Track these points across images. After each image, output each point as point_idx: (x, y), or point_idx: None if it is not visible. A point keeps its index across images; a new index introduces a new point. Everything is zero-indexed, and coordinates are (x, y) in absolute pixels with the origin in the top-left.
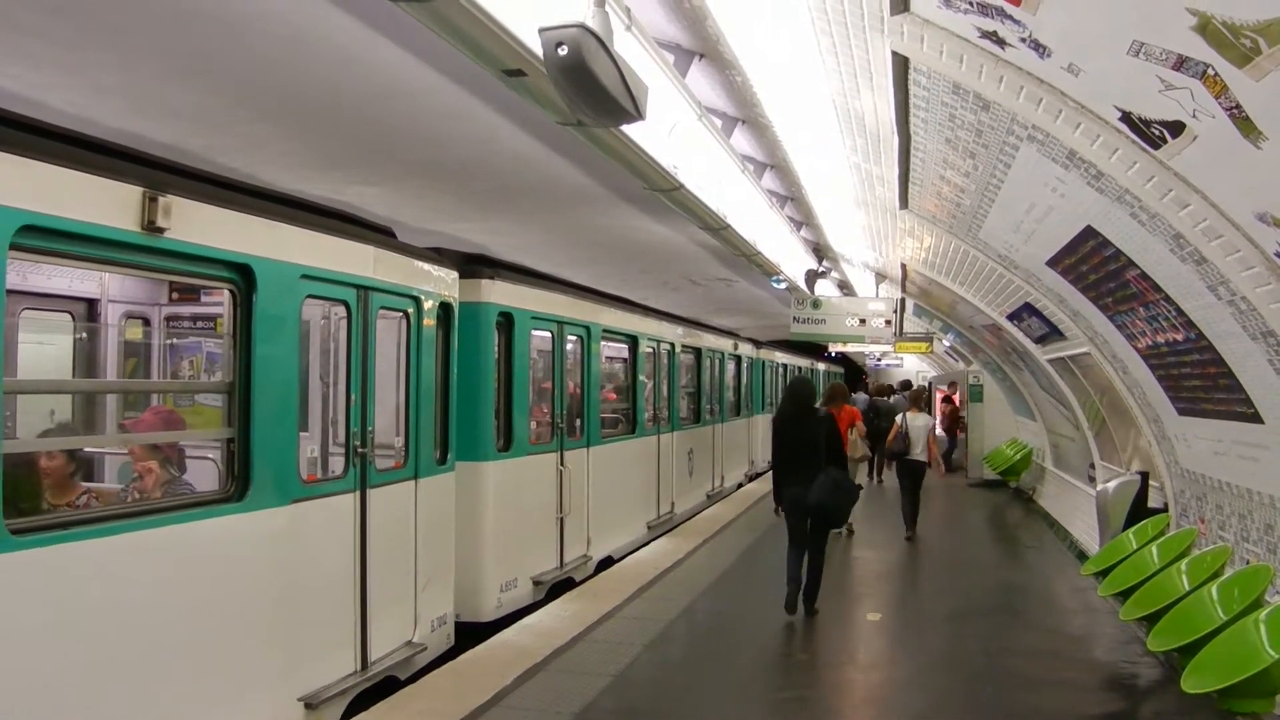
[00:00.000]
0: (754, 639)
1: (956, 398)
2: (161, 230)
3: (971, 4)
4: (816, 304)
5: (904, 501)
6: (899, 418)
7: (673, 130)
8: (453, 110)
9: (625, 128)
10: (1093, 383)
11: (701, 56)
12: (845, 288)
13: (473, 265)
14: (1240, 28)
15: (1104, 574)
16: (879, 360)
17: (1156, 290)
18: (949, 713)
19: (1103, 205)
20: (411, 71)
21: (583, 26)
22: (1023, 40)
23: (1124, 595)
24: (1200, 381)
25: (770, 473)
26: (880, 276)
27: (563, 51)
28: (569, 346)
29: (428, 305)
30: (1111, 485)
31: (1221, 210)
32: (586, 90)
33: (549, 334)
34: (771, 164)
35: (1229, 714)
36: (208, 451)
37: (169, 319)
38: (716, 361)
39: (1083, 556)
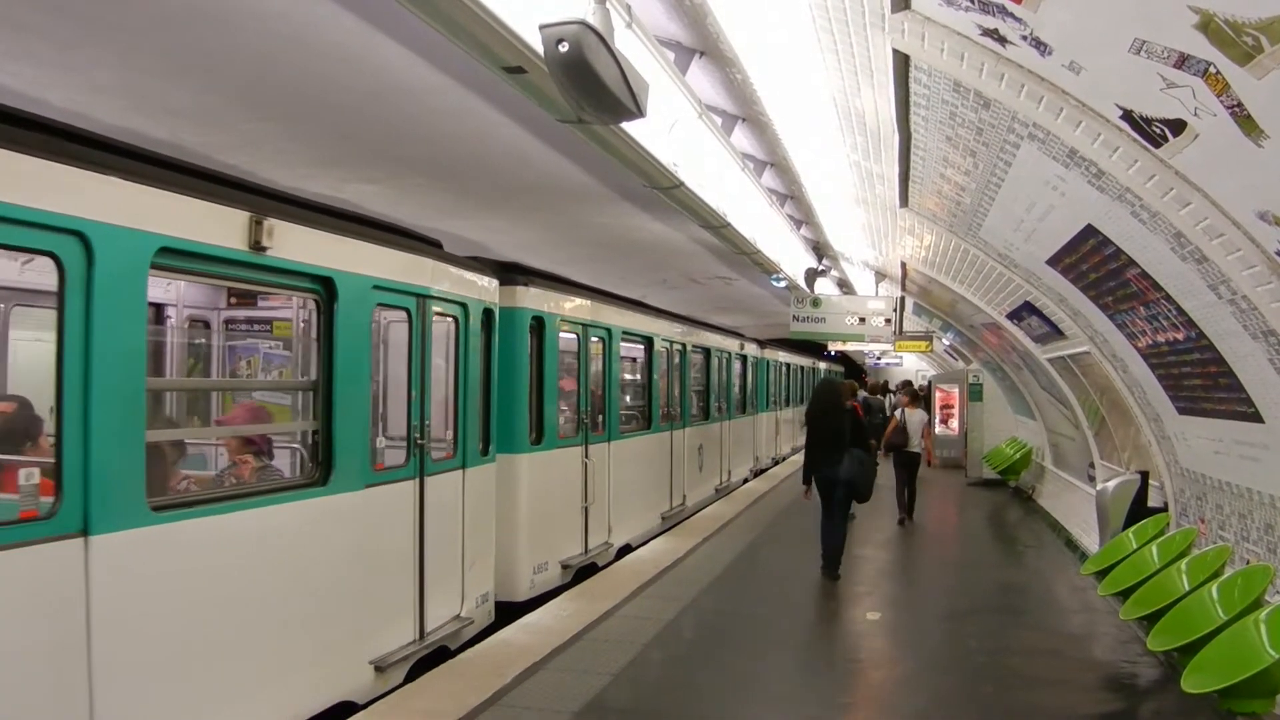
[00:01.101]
0: (754, 637)
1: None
2: (264, 249)
3: (973, 1)
4: (816, 302)
5: (900, 489)
6: (897, 412)
7: (673, 128)
8: (453, 108)
9: (625, 125)
10: (1092, 382)
11: (702, 54)
12: (845, 286)
13: (509, 273)
14: (1242, 25)
15: (1104, 573)
16: (878, 359)
17: (1157, 289)
18: (949, 711)
19: (1103, 204)
20: (411, 69)
21: (583, 23)
22: (1024, 38)
23: (1124, 595)
24: (1200, 381)
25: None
26: (880, 275)
27: (563, 48)
28: (592, 347)
29: (473, 311)
30: (1111, 484)
31: (1222, 209)
32: (587, 87)
33: (575, 336)
34: (771, 162)
35: (1229, 714)
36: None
37: (227, 322)
38: (724, 361)
39: (1082, 556)
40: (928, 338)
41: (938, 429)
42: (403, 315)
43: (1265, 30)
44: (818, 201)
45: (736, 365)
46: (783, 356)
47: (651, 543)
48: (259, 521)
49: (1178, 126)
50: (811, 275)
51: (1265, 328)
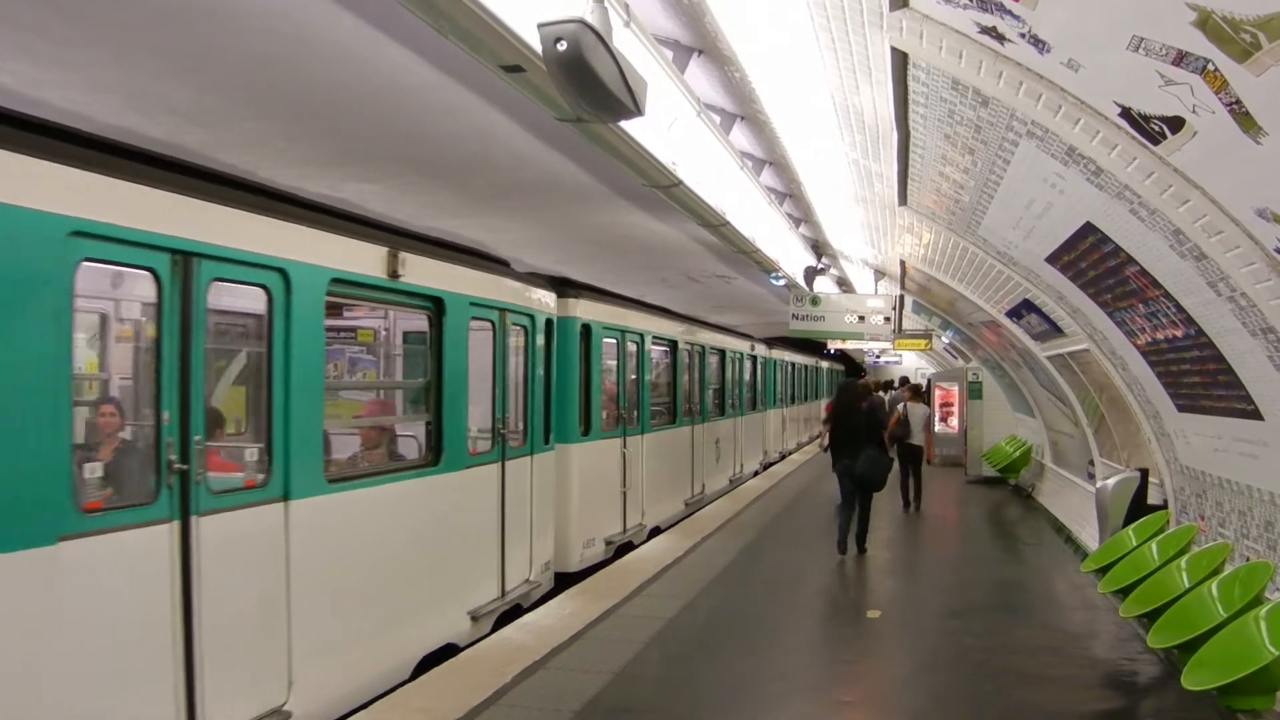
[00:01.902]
0: (753, 636)
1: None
2: (399, 276)
3: None
4: (815, 301)
5: (905, 479)
6: (900, 407)
7: (671, 126)
8: (451, 107)
9: (624, 124)
10: (1092, 379)
11: (700, 52)
12: (844, 284)
13: (563, 286)
14: (1240, 22)
15: (1103, 571)
16: (878, 357)
17: (1156, 286)
18: (948, 709)
19: (1102, 201)
20: (411, 68)
21: (582, 22)
22: (1022, 35)
23: (1124, 592)
24: (1200, 378)
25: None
26: (879, 273)
27: (562, 47)
28: (628, 350)
29: (538, 321)
30: (1111, 482)
31: (1221, 206)
32: (585, 86)
33: (614, 340)
34: (770, 160)
35: (1229, 711)
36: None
37: (223, 323)
38: (737, 361)
39: (1082, 553)
40: (927, 336)
41: (937, 427)
42: (488, 326)
43: (1263, 27)
44: (817, 200)
45: (748, 365)
46: (788, 356)
47: (651, 541)
48: (396, 493)
49: (1176, 124)
50: (810, 273)
51: (1264, 325)
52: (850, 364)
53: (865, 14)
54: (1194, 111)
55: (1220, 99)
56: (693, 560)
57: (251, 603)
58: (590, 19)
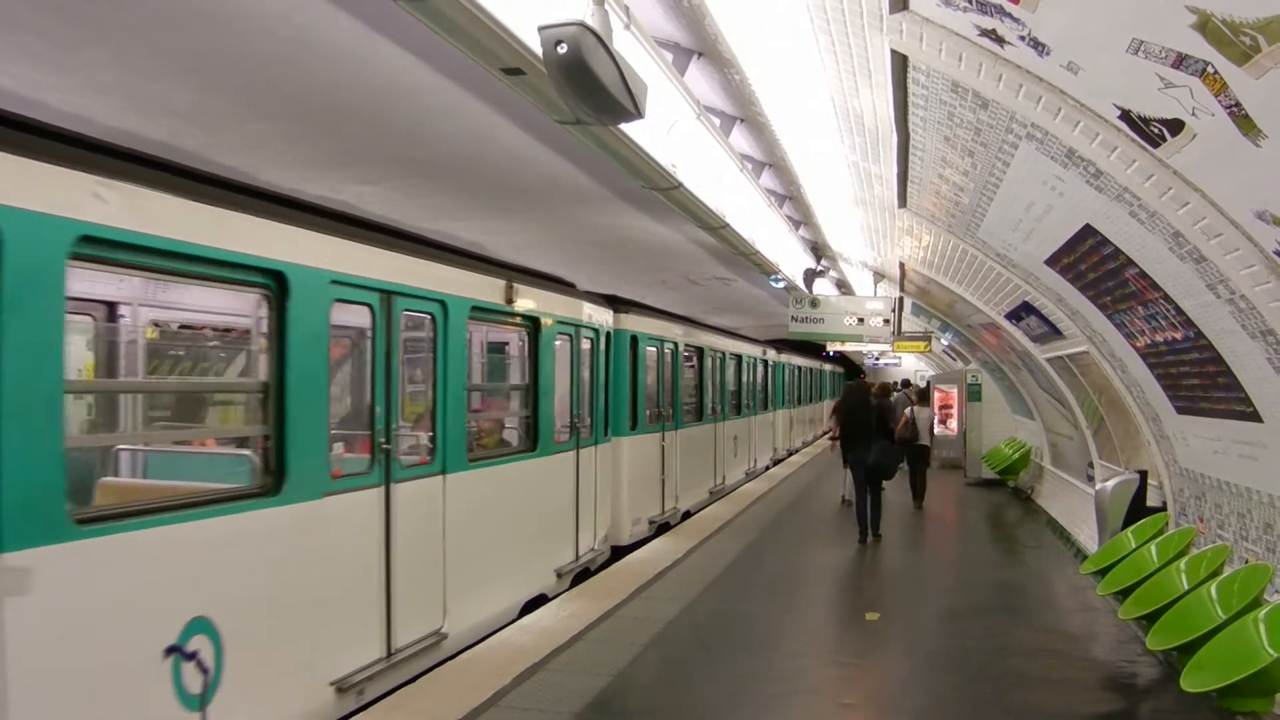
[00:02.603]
0: (753, 638)
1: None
2: (512, 303)
3: (970, 2)
4: (815, 303)
5: (912, 478)
6: (908, 410)
7: (671, 129)
8: (451, 109)
9: (624, 126)
10: (1091, 382)
11: (700, 55)
12: (843, 287)
13: (616, 303)
14: (1240, 25)
15: (1103, 573)
16: (877, 359)
17: (1155, 289)
18: (948, 711)
19: (1101, 204)
20: (410, 70)
21: (582, 24)
22: (1022, 38)
23: (1123, 594)
24: (1199, 380)
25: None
26: (878, 275)
27: (562, 50)
28: (665, 357)
29: (601, 333)
30: (1110, 484)
31: (1220, 208)
32: (586, 88)
33: (654, 349)
34: (770, 162)
35: (1228, 713)
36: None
37: (406, 342)
38: (752, 366)
39: (1081, 555)
40: (926, 338)
41: (936, 429)
42: (567, 339)
43: (1263, 30)
44: (816, 202)
45: (760, 369)
46: (794, 360)
47: (651, 544)
48: (510, 471)
49: (1176, 126)
50: (810, 276)
51: (1264, 327)
52: (849, 366)
53: (865, 16)
54: (1193, 114)
55: (1220, 101)
56: (692, 562)
57: (422, 549)
58: (591, 22)
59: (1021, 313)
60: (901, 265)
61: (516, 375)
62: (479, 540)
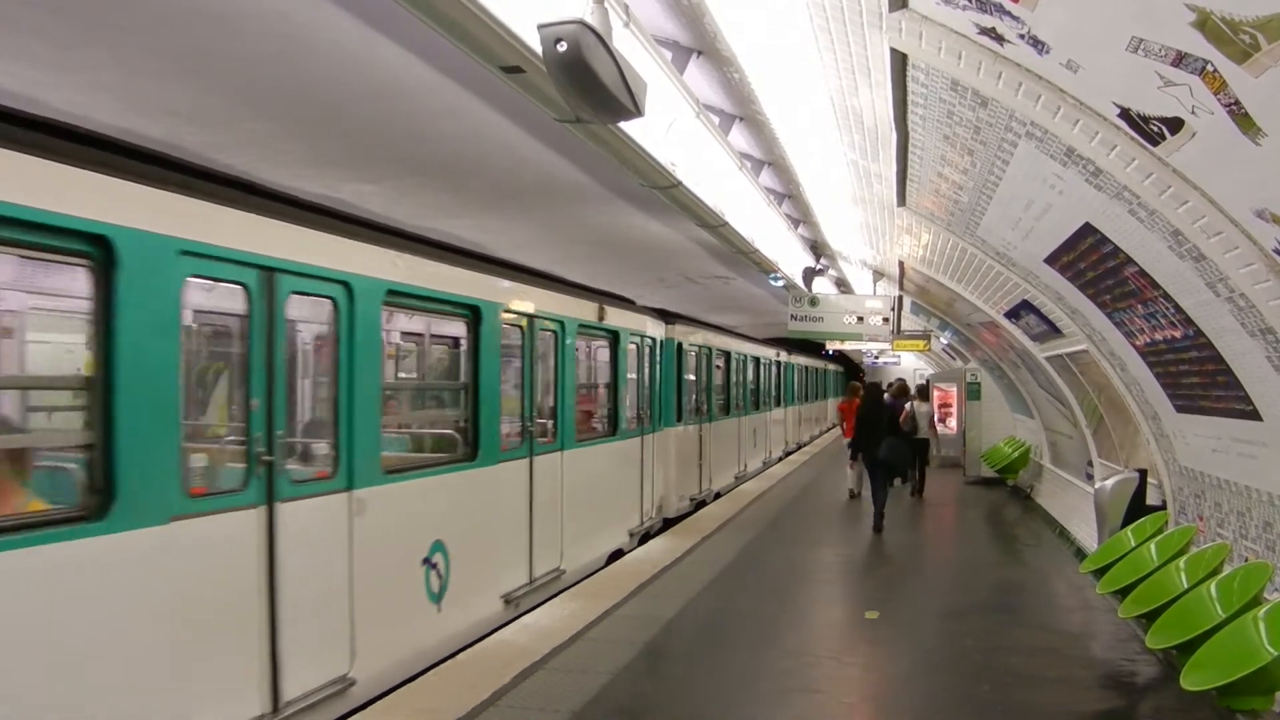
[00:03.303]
0: (752, 637)
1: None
2: (603, 320)
3: (970, 0)
4: (814, 302)
5: (912, 470)
6: (908, 406)
7: (671, 127)
8: (450, 108)
9: (623, 124)
10: (1090, 380)
11: (699, 53)
12: (843, 285)
13: (667, 316)
14: (1239, 23)
15: (1102, 571)
16: (876, 358)
17: (1155, 287)
18: (947, 710)
19: (1101, 202)
20: (409, 69)
21: (582, 23)
22: (1021, 36)
23: (1122, 593)
24: (1198, 379)
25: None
26: (878, 274)
27: (562, 48)
28: (701, 361)
29: (657, 342)
30: (1109, 483)
31: (1220, 207)
32: (585, 87)
33: (694, 353)
34: (769, 161)
35: (1228, 712)
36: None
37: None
38: (768, 366)
39: (1081, 554)
40: (925, 337)
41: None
42: (635, 347)
43: (1262, 28)
44: (815, 200)
45: (774, 369)
46: (802, 360)
47: (650, 543)
48: (601, 450)
49: (1175, 125)
50: (809, 274)
51: (1263, 325)
52: (849, 365)
53: (864, 15)
54: (1193, 112)
55: (1219, 100)
56: (692, 561)
57: (549, 503)
58: (590, 20)
59: (1021, 311)
60: (901, 264)
61: (604, 375)
62: (582, 501)
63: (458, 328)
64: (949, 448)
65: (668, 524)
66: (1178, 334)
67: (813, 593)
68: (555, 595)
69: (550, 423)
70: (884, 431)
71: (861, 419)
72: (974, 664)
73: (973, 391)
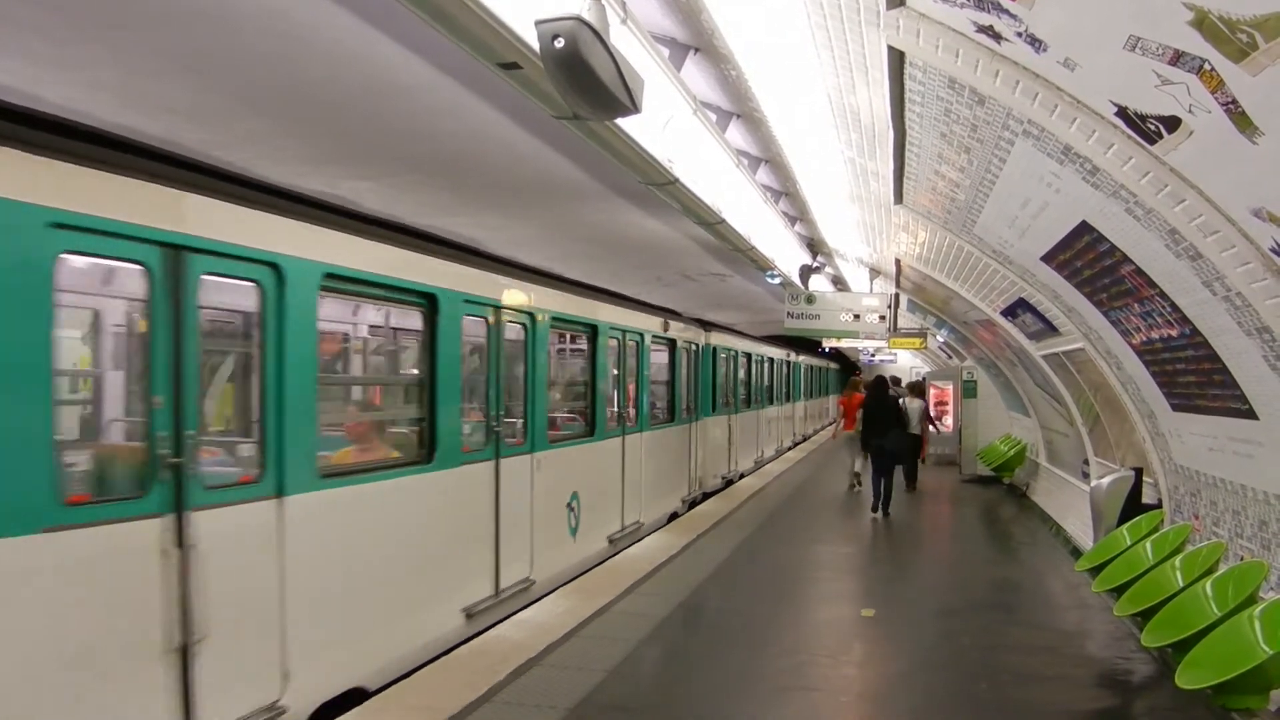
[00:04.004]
0: (747, 634)
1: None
2: (667, 330)
3: None
4: (810, 299)
5: (904, 466)
6: (901, 401)
7: (668, 124)
8: (447, 105)
9: (620, 121)
10: (1087, 379)
11: (697, 50)
12: (839, 283)
13: (705, 324)
14: (1237, 22)
15: (1098, 570)
16: (873, 356)
17: (1151, 286)
18: (943, 708)
19: (1098, 200)
20: (407, 66)
21: (579, 19)
22: (1019, 35)
23: (1118, 591)
24: (1195, 377)
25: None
26: (874, 272)
27: (559, 44)
28: (731, 361)
29: (700, 347)
30: (1105, 481)
31: (1217, 206)
32: (582, 83)
33: (724, 356)
34: (766, 158)
35: (1223, 710)
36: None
37: (557, 351)
38: (780, 366)
39: (1076, 552)
40: (922, 334)
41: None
42: (687, 352)
43: (1260, 27)
44: (812, 198)
45: (785, 368)
46: (806, 360)
47: (645, 540)
48: (666, 434)
49: (1172, 123)
50: (806, 272)
51: (1259, 324)
52: (845, 363)
53: (862, 12)
54: (1190, 111)
55: (1217, 98)
56: (687, 558)
57: (634, 471)
58: (587, 16)
59: (1017, 309)
60: (897, 261)
61: (664, 375)
62: (655, 473)
63: (581, 344)
64: (945, 446)
65: (705, 496)
66: (1174, 332)
67: (808, 590)
68: (638, 541)
69: (632, 411)
70: (887, 424)
71: (868, 412)
72: (970, 662)
73: (969, 390)
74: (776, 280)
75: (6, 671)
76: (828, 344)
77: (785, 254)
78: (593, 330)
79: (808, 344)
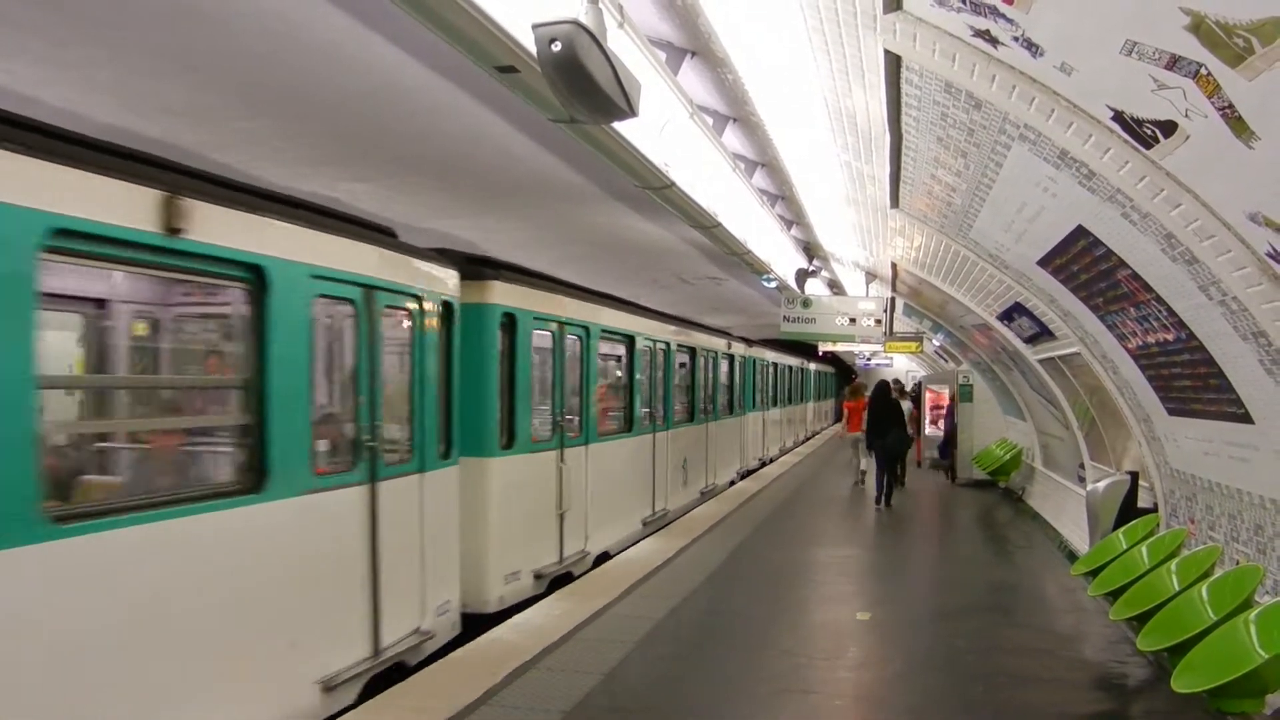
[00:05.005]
0: (744, 637)
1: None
2: (729, 349)
3: (964, 3)
4: (807, 303)
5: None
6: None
7: (664, 128)
8: (445, 107)
9: (617, 125)
10: (1083, 383)
11: (693, 54)
12: (835, 287)
13: (743, 340)
14: (1233, 27)
15: (1094, 574)
16: (868, 360)
17: (1147, 290)
18: (939, 711)
19: (1094, 205)
20: (405, 68)
21: (576, 23)
22: (1015, 39)
23: (1114, 595)
24: (1190, 382)
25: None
26: (870, 276)
27: (556, 48)
28: (764, 369)
29: (737, 357)
30: (1101, 485)
31: (1213, 210)
32: (580, 87)
33: (758, 363)
34: (762, 162)
35: (1219, 714)
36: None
37: (680, 365)
38: (799, 372)
39: (1072, 556)
40: (918, 338)
41: (927, 429)
42: (742, 363)
43: (1256, 32)
44: (808, 202)
45: (801, 374)
46: (814, 366)
47: (640, 544)
48: (728, 423)
49: (1169, 128)
50: (802, 276)
51: (1255, 329)
52: (841, 367)
53: (859, 17)
54: (1186, 115)
55: (1213, 103)
56: (683, 561)
57: (713, 448)
58: (584, 20)
59: (1013, 313)
60: (894, 265)
61: (726, 380)
62: (723, 450)
63: (682, 358)
64: (935, 450)
65: (745, 474)
66: (1170, 337)
67: (804, 593)
68: (715, 495)
69: (708, 405)
70: (888, 425)
71: (873, 414)
72: (967, 665)
73: (965, 393)
74: (773, 284)
75: (305, 573)
76: (823, 348)
77: (781, 258)
78: (691, 352)
79: (815, 351)
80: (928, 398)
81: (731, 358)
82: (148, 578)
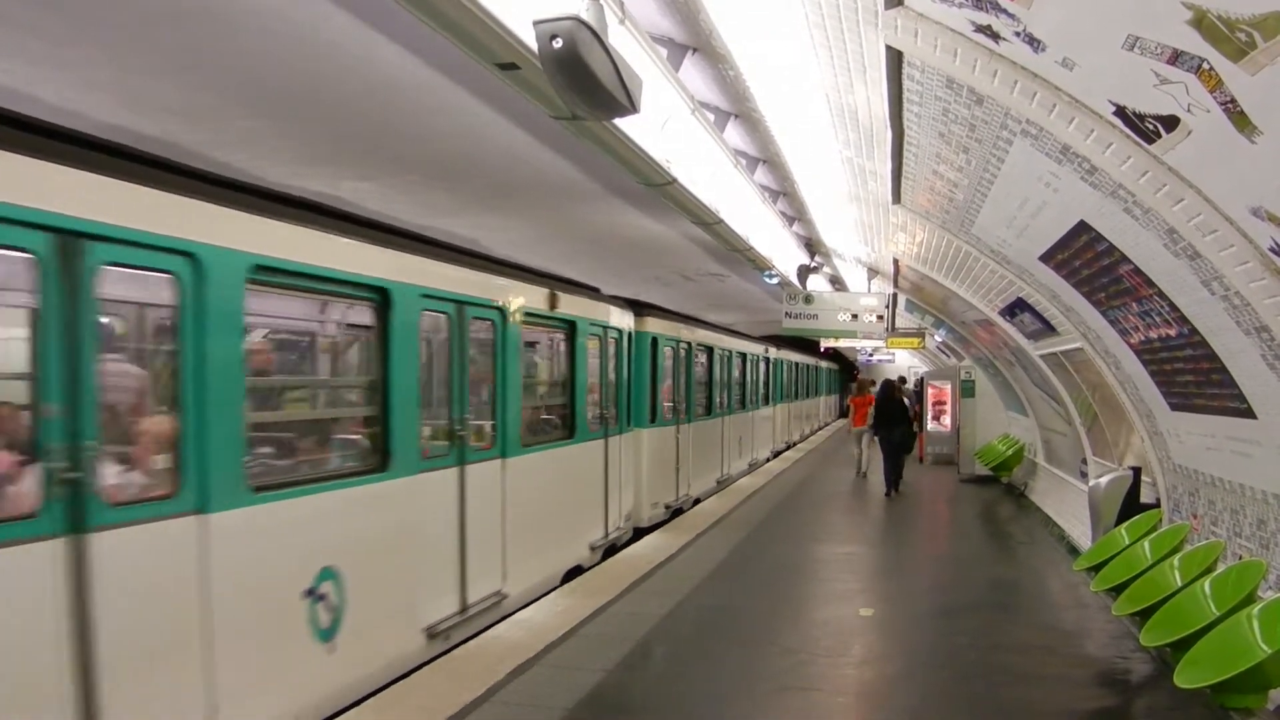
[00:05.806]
0: (746, 633)
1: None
2: (766, 353)
3: None
4: (809, 299)
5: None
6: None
7: (666, 124)
8: (446, 105)
9: (618, 121)
10: (1085, 378)
11: (694, 50)
12: (837, 283)
13: (776, 343)
14: (1236, 21)
15: (1096, 569)
16: (870, 356)
17: (1150, 285)
18: (941, 708)
19: (1096, 200)
20: (405, 66)
21: (577, 19)
22: (1017, 34)
23: (1116, 591)
24: (1193, 377)
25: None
26: (872, 272)
27: (557, 44)
28: (793, 369)
29: (773, 360)
30: (1104, 481)
31: (1215, 205)
32: (581, 83)
33: (783, 363)
34: (764, 159)
35: (1222, 709)
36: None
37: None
38: (814, 369)
39: (1075, 552)
40: (920, 334)
41: (930, 425)
42: (764, 363)
43: (1258, 26)
44: (810, 198)
45: (816, 372)
46: (824, 364)
47: (645, 539)
48: (762, 412)
49: (1171, 123)
50: (804, 272)
51: (1258, 324)
52: (844, 363)
53: (860, 12)
54: (1189, 110)
55: (1215, 98)
56: (685, 557)
57: (745, 437)
58: (586, 16)
59: (1015, 309)
60: (895, 261)
61: (764, 378)
62: (757, 436)
63: (756, 366)
64: (943, 445)
65: (775, 454)
66: (1172, 332)
67: (806, 590)
68: (752, 471)
69: (753, 398)
70: (896, 419)
71: (880, 409)
72: (969, 661)
73: (967, 389)
74: (774, 280)
75: (427, 532)
76: (825, 344)
77: (783, 254)
78: (743, 356)
79: (818, 348)
80: (930, 393)
81: (767, 360)
82: (316, 533)
